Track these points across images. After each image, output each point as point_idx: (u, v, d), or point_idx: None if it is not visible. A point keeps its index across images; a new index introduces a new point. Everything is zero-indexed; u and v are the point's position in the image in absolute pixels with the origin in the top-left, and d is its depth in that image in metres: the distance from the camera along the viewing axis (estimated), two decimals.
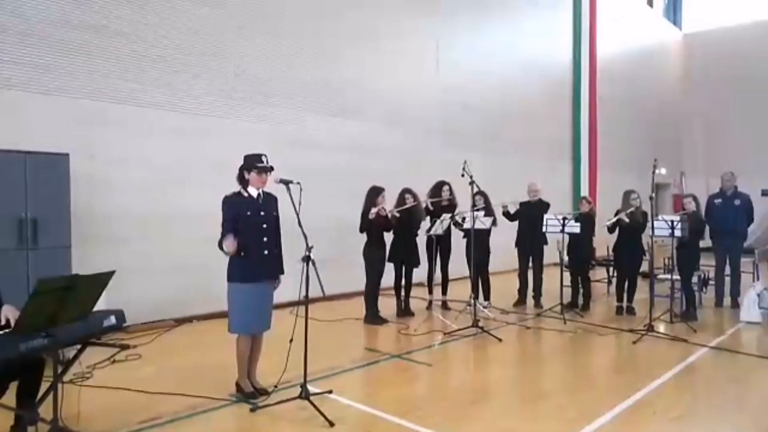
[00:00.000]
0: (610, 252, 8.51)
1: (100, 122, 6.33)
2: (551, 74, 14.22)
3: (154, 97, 6.84)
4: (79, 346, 3.51)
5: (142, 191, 6.67)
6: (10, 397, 3.22)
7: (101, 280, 3.25)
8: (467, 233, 7.54)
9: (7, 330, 2.97)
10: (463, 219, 7.67)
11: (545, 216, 7.74)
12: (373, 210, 6.73)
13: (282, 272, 4.44)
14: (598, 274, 10.44)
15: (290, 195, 4.05)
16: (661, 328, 6.73)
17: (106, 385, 4.50)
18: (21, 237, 5.16)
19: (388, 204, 7.03)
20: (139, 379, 4.66)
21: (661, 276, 8.77)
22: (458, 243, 7.95)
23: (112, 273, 3.28)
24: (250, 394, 4.23)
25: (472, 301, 6.97)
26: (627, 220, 7.29)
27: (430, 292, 7.92)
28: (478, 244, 7.35)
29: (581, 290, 8.02)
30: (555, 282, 7.80)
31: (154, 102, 6.84)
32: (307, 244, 3.99)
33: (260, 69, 7.91)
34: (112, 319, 3.54)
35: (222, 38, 7.47)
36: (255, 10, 7.83)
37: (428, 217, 7.62)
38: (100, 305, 3.51)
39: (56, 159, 5.43)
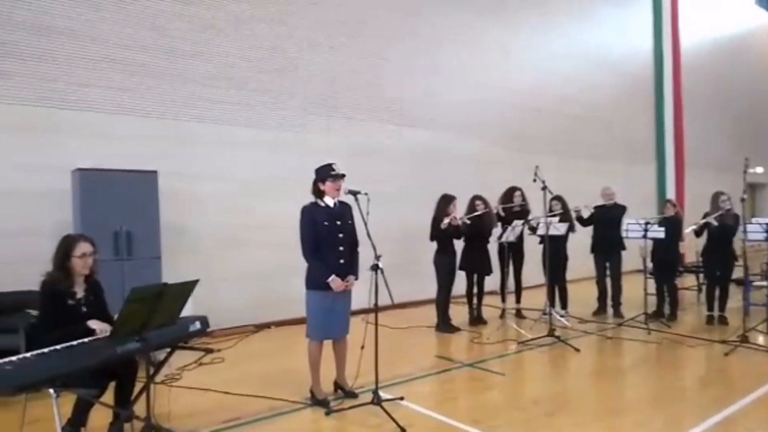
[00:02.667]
0: (700, 257, 8.04)
1: (185, 141, 6.78)
2: (630, 70, 13.61)
3: (235, 115, 7.23)
4: (168, 350, 3.76)
5: (224, 204, 7.05)
6: (109, 396, 3.50)
7: (187, 288, 3.47)
8: (542, 239, 7.38)
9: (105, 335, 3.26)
10: (537, 224, 7.52)
11: (626, 221, 7.43)
12: (446, 220, 6.73)
13: (354, 275, 4.47)
14: (687, 281, 9.88)
15: (358, 205, 4.17)
16: (757, 339, 6.27)
17: (193, 386, 4.80)
18: (117, 249, 5.61)
19: (459, 211, 7.03)
20: (222, 381, 4.92)
21: (756, 283, 8.16)
22: (534, 250, 7.78)
23: (196, 281, 3.50)
24: (322, 400, 4.35)
25: (548, 309, 6.81)
26: (715, 223, 6.87)
27: (504, 300, 7.79)
28: (555, 250, 7.18)
29: (667, 298, 7.63)
30: (638, 290, 7.46)
31: (234, 120, 7.23)
32: (375, 253, 4.08)
33: (330, 82, 8.16)
34: (197, 325, 3.78)
35: (294, 54, 7.78)
36: (322, 26, 8.09)
37: (500, 224, 7.53)
38: (187, 311, 3.77)
39: (146, 176, 5.88)
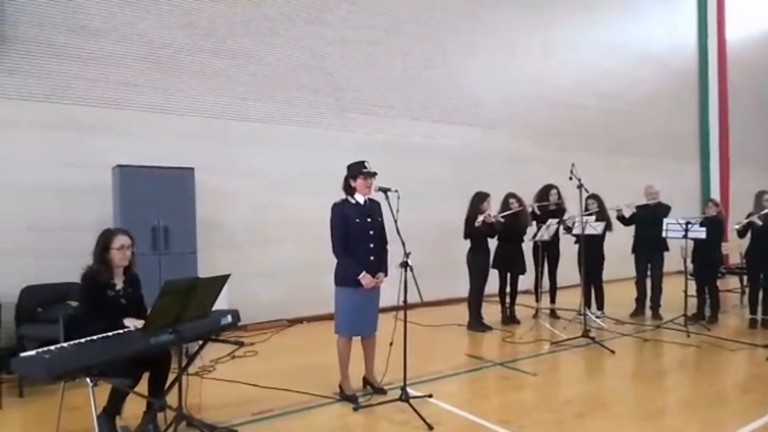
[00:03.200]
0: (743, 258, 7.76)
1: (221, 138, 6.92)
2: (674, 64, 13.18)
3: (271, 113, 7.35)
4: (200, 342, 3.85)
5: (260, 200, 7.18)
6: (143, 386, 3.61)
7: (219, 282, 3.55)
8: (578, 239, 7.25)
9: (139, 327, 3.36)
10: (573, 224, 7.38)
11: (665, 220, 7.22)
12: (480, 218, 6.66)
13: (384, 272, 4.48)
14: (730, 283, 9.55)
15: (389, 203, 4.18)
16: None
17: (225, 378, 4.90)
18: (155, 243, 5.76)
19: (493, 209, 6.96)
20: (254, 374, 5.01)
21: None
22: (570, 249, 7.64)
23: (227, 276, 3.57)
24: (350, 396, 4.39)
25: (583, 310, 6.69)
26: (760, 222, 6.62)
27: (538, 300, 7.68)
28: (591, 249, 7.02)
29: (708, 300, 7.39)
30: (678, 291, 7.25)
31: (271, 117, 7.35)
32: (404, 250, 4.08)
33: (364, 80, 8.20)
34: (229, 318, 3.88)
35: (326, 51, 7.84)
36: (356, 22, 8.13)
37: (534, 223, 7.42)
38: (222, 305, 3.85)
39: (183, 173, 6.01)
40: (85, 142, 6.01)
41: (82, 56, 6.05)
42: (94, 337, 3.14)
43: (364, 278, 4.29)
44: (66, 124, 5.94)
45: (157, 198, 5.78)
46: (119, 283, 3.66)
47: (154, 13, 6.50)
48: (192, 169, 6.07)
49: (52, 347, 2.93)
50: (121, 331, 3.31)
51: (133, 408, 3.72)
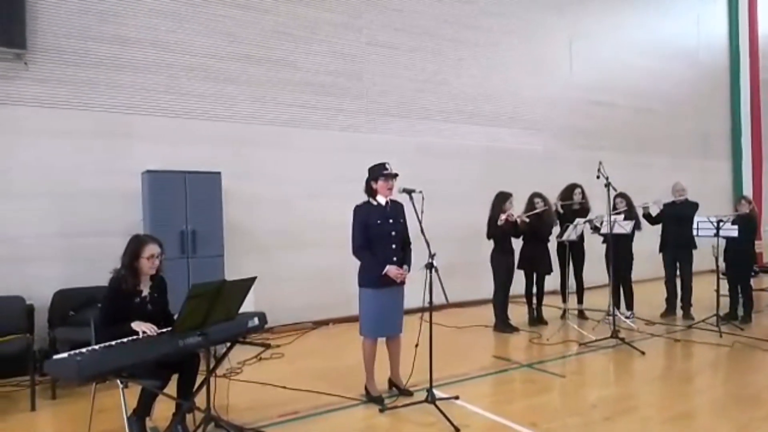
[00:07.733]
0: None
1: (249, 142, 6.98)
2: (704, 61, 12.89)
3: (298, 117, 7.41)
4: (228, 344, 3.89)
5: (285, 204, 7.22)
6: (172, 388, 3.65)
7: (245, 285, 3.59)
8: (606, 238, 7.14)
9: (168, 329, 3.41)
10: (601, 223, 7.27)
11: (696, 218, 7.06)
12: (502, 216, 6.62)
13: (407, 267, 4.45)
14: (765, 281, 9.28)
15: (413, 204, 4.17)
16: None
17: (252, 380, 4.95)
18: (183, 247, 5.84)
19: (517, 209, 6.90)
20: (281, 376, 5.05)
21: None
22: (598, 248, 7.53)
23: (254, 278, 3.61)
24: (376, 397, 4.39)
25: (612, 310, 6.58)
26: None
27: (565, 300, 7.58)
28: (620, 249, 6.91)
29: (741, 300, 7.21)
30: (710, 290, 7.08)
31: (298, 122, 7.40)
32: (429, 252, 4.07)
33: (393, 83, 8.22)
34: (256, 321, 3.90)
35: (356, 55, 7.88)
36: (387, 27, 8.17)
37: (559, 222, 7.33)
38: (249, 308, 3.88)
39: (210, 177, 6.07)
40: (115, 149, 6.13)
41: (110, 64, 6.16)
42: (125, 340, 3.20)
43: (390, 270, 4.26)
44: (96, 131, 6.05)
45: (185, 202, 5.87)
46: (145, 289, 3.69)
47: (184, 21, 6.60)
48: (219, 173, 6.15)
49: (84, 350, 2.99)
50: (142, 334, 3.33)
51: (163, 409, 3.78)
